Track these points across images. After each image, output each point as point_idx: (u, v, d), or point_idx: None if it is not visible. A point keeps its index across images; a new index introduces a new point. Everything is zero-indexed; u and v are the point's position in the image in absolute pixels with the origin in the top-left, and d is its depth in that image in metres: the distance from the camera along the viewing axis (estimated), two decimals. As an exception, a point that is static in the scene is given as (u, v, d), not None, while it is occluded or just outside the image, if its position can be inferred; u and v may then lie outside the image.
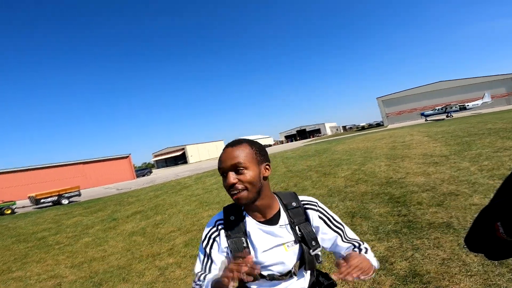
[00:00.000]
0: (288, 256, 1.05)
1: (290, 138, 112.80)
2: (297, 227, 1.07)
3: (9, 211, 16.40)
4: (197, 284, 1.02)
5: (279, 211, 1.10)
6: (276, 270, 1.05)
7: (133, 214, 8.76)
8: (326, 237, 1.12)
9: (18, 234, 8.61)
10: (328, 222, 1.13)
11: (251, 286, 1.06)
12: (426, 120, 41.15)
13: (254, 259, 1.03)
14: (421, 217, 3.98)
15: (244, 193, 0.98)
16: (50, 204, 18.18)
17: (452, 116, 39.01)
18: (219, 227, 1.08)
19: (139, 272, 3.98)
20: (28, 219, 11.92)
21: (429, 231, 3.50)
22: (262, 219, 1.07)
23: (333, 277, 1.04)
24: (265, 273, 1.05)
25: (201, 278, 1.03)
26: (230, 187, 0.98)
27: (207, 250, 1.06)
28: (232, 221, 1.07)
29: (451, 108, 41.42)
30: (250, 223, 1.06)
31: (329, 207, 4.97)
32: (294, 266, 1.07)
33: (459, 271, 2.57)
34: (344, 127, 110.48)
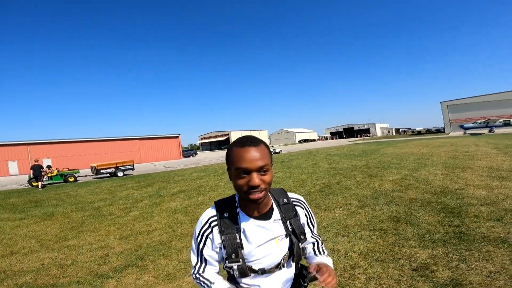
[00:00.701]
0: (279, 249, 1.10)
1: (335, 135, 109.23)
2: (288, 222, 1.14)
3: (72, 179, 17.72)
4: (196, 277, 1.10)
5: (272, 207, 1.14)
6: (266, 263, 1.08)
7: (178, 193, 9.27)
8: None
9: (78, 202, 9.28)
10: (309, 219, 1.24)
11: (243, 280, 1.09)
12: (464, 133, 38.45)
13: (247, 253, 1.07)
14: (475, 230, 3.66)
15: (264, 193, 0.98)
16: (107, 175, 19.81)
17: (494, 131, 36.05)
18: (212, 224, 1.08)
19: (178, 250, 4.14)
20: (87, 188, 13.07)
21: (481, 244, 3.23)
22: (257, 215, 1.09)
23: (317, 275, 1.06)
24: (256, 267, 1.07)
25: (200, 271, 1.10)
26: (252, 188, 0.96)
27: (200, 246, 1.08)
28: (225, 217, 1.08)
29: (494, 122, 38.22)
30: (244, 219, 1.08)
31: (372, 210, 4.75)
32: (283, 258, 1.11)
33: (504, 284, 2.42)
34: (397, 130, 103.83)
